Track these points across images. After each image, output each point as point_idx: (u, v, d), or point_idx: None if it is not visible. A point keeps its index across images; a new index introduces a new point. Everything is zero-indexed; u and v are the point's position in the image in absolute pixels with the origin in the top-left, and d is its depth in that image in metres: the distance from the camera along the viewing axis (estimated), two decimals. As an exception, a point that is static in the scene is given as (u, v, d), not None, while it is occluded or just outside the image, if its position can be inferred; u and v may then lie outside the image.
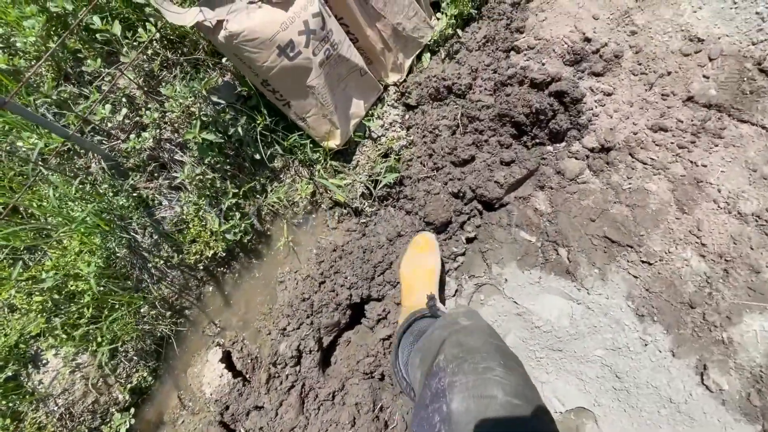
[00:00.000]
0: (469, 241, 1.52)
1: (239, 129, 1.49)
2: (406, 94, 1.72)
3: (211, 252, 1.53)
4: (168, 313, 1.60)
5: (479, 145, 1.57)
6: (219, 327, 1.63)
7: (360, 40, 1.58)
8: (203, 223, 1.51)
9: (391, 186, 1.63)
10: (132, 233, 1.47)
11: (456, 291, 1.46)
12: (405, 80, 1.73)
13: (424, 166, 1.63)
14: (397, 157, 1.65)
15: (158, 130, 1.46)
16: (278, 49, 1.29)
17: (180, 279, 1.60)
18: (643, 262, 1.32)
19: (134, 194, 1.45)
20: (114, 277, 1.45)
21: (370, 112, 1.70)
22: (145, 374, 1.54)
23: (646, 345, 1.22)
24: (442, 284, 1.45)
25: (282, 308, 1.53)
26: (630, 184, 1.43)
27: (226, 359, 1.52)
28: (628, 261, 1.33)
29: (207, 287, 1.66)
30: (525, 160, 1.48)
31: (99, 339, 1.41)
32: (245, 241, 1.62)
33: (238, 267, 1.67)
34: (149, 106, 1.46)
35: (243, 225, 1.55)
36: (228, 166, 1.57)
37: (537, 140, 1.53)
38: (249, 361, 1.51)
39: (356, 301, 1.47)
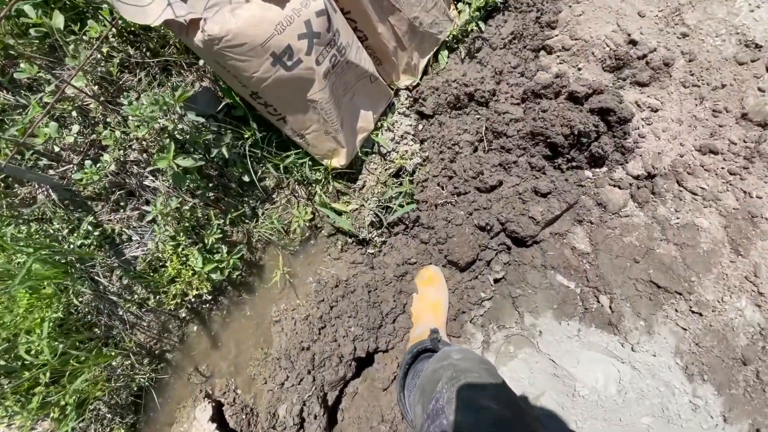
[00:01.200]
0: (496, 281, 1.34)
1: (223, 149, 1.22)
2: (420, 101, 1.47)
3: (195, 293, 1.30)
4: (146, 361, 1.37)
5: (507, 167, 1.36)
6: (206, 374, 1.42)
7: (369, 38, 1.31)
8: (184, 261, 1.27)
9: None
10: (96, 277, 1.21)
11: (483, 343, 1.30)
12: (419, 83, 1.47)
13: (443, 189, 1.41)
14: (410, 179, 1.42)
15: (122, 152, 1.18)
16: (272, 56, 1.01)
17: (158, 322, 1.37)
18: (693, 312, 1.18)
19: (96, 231, 1.19)
20: (76, 330, 1.21)
21: (379, 123, 1.45)
22: (122, 432, 1.34)
23: (696, 409, 1.10)
24: (463, 331, 1.29)
25: (279, 357, 1.33)
26: (678, 218, 1.26)
27: (217, 413, 1.33)
28: (676, 311, 1.19)
29: (190, 327, 1.44)
30: (564, 191, 1.28)
31: (62, 403, 1.18)
32: (234, 275, 1.39)
33: (227, 303, 1.45)
34: (108, 120, 1.17)
35: (231, 260, 1.32)
36: (211, 192, 1.31)
37: (574, 164, 1.32)
38: (243, 416, 1.33)
39: (361, 356, 1.29)
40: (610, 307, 1.20)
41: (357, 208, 1.41)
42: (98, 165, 1.12)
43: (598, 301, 1.22)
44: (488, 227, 1.31)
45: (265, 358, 1.42)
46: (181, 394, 1.41)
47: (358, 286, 1.38)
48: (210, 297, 1.39)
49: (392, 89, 1.44)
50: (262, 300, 1.47)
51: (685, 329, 1.16)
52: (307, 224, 1.45)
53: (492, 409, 0.67)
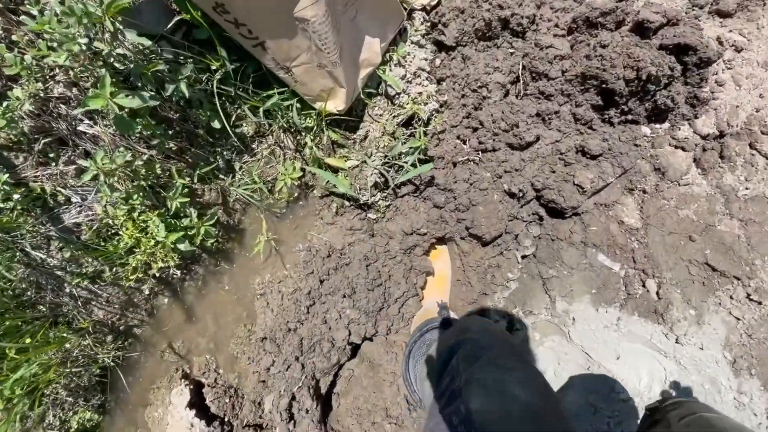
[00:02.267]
0: (524, 258, 1.14)
1: (182, 85, 0.92)
2: (440, 27, 1.15)
3: (160, 265, 1.07)
4: (108, 338, 1.18)
5: (546, 118, 1.09)
6: (182, 351, 1.24)
7: (379, -69, 0.95)
8: (143, 228, 1.02)
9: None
10: (28, 250, 0.96)
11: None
12: (439, 3, 1.14)
13: (465, 143, 1.14)
14: (424, 129, 1.14)
15: (40, 84, 0.86)
16: (242, -54, 0.69)
17: (119, 296, 1.16)
18: (750, 299, 1.01)
19: (18, 192, 0.91)
20: (12, 310, 0.99)
21: (386, 54, 1.13)
22: (88, 414, 1.18)
23: (740, 407, 0.98)
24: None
25: (264, 338, 1.15)
26: (747, 189, 1.05)
27: (196, 395, 1.18)
28: (731, 297, 1.02)
29: (160, 299, 1.23)
30: (620, 153, 1.03)
31: (7, 393, 1.00)
32: (209, 243, 1.16)
33: (202, 273, 1.24)
34: (14, 38, 0.84)
35: (202, 227, 1.07)
36: (171, 141, 1.02)
37: (629, 117, 1.06)
38: (227, 399, 1.17)
39: (356, 342, 1.11)
40: (658, 293, 1.03)
41: (357, 165, 1.14)
42: (6, 103, 0.82)
43: (644, 286, 1.05)
44: (520, 194, 1.08)
45: (249, 336, 1.24)
46: (154, 373, 1.25)
47: (355, 258, 1.17)
48: (180, 270, 1.17)
49: (404, 9, 1.11)
50: (243, 270, 1.25)
51: (738, 319, 1.01)
52: (296, 182, 1.19)
53: (520, 398, 0.55)
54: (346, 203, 1.21)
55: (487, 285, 1.12)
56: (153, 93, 0.92)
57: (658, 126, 1.07)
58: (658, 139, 1.06)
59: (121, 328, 1.21)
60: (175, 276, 1.22)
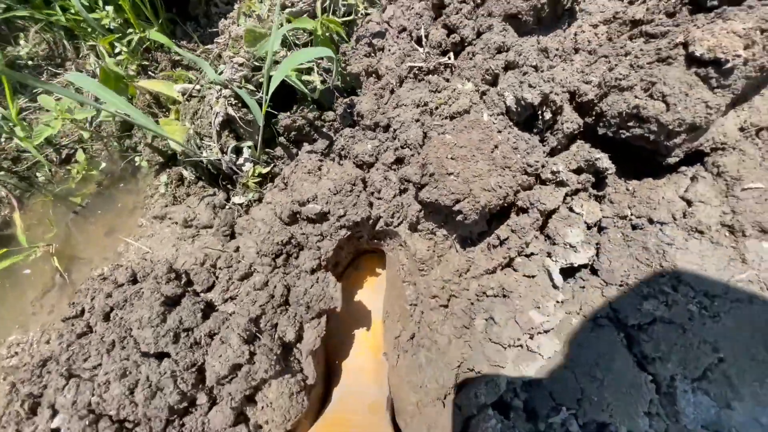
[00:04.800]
0: (571, 269, 0.40)
1: None
2: None
3: None
4: None
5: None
6: None
7: None
8: None
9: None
10: None
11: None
12: None
13: (421, 42, 0.55)
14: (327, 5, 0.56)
15: None
16: None
17: None
18: None
19: None
20: None
21: None
22: None
23: None
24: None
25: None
26: None
27: None
28: None
29: None
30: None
31: None
32: None
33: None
34: None
35: None
36: None
37: None
38: None
39: None
40: None
41: (198, 90, 0.56)
42: None
43: None
44: (544, 113, 0.42)
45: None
46: None
47: (146, 288, 0.49)
48: None
49: None
50: (16, 319, 0.65)
51: None
52: (89, 137, 0.62)
53: None
54: (187, 174, 0.61)
55: (484, 342, 0.39)
56: None
57: None
58: None
59: None
60: None
